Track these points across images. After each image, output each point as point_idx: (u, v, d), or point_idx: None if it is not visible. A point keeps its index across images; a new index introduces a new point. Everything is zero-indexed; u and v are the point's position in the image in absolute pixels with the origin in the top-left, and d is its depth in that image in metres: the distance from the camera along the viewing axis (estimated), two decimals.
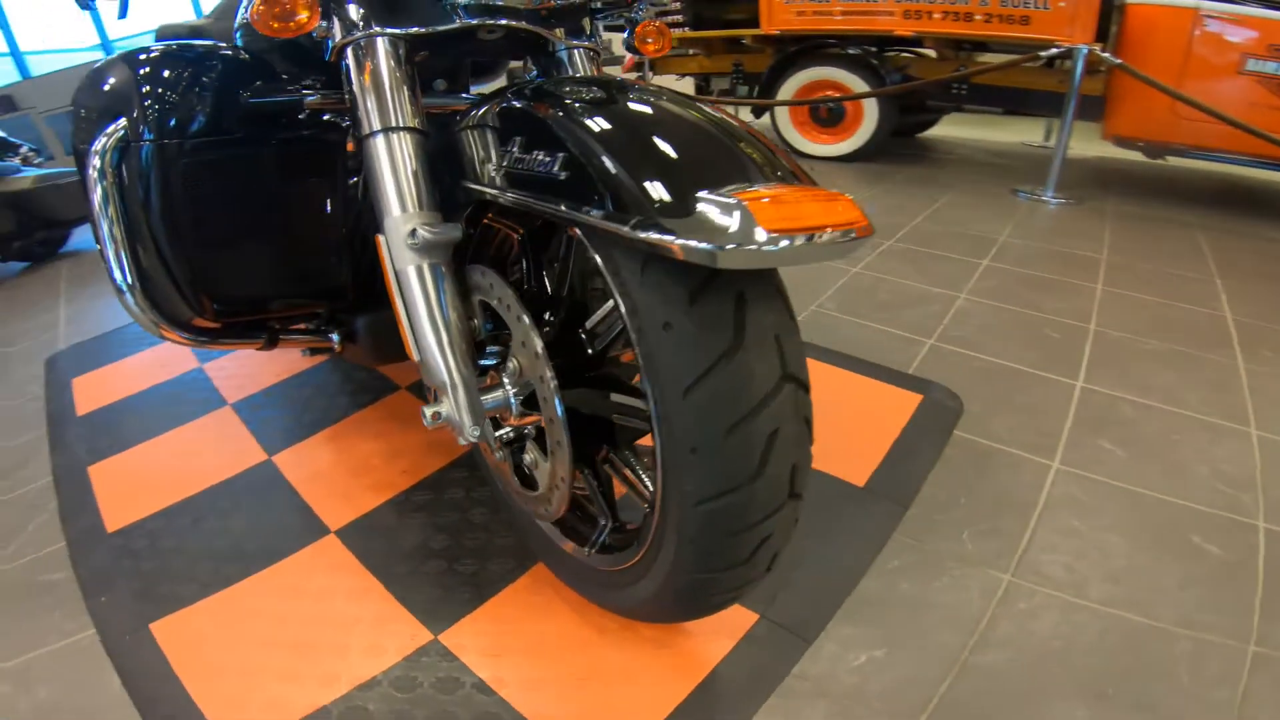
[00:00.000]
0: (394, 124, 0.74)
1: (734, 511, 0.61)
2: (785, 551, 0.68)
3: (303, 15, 0.72)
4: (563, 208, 0.61)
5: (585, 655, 0.87)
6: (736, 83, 3.86)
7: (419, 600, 0.96)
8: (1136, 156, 3.11)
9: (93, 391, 1.58)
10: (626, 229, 0.54)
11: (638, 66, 4.36)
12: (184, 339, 1.02)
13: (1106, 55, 2.52)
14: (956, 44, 3.10)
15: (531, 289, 0.85)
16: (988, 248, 2.25)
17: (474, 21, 0.79)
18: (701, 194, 0.53)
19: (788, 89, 3.42)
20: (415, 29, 0.77)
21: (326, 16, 0.75)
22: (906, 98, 3.24)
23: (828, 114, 3.37)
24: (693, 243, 0.51)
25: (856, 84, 3.20)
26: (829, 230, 0.52)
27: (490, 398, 0.80)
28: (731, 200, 0.52)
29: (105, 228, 0.92)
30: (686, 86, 4.89)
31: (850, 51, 3.21)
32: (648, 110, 0.65)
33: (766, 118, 3.64)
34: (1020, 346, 1.62)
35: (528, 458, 0.87)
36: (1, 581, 1.04)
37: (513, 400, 0.81)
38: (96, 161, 0.89)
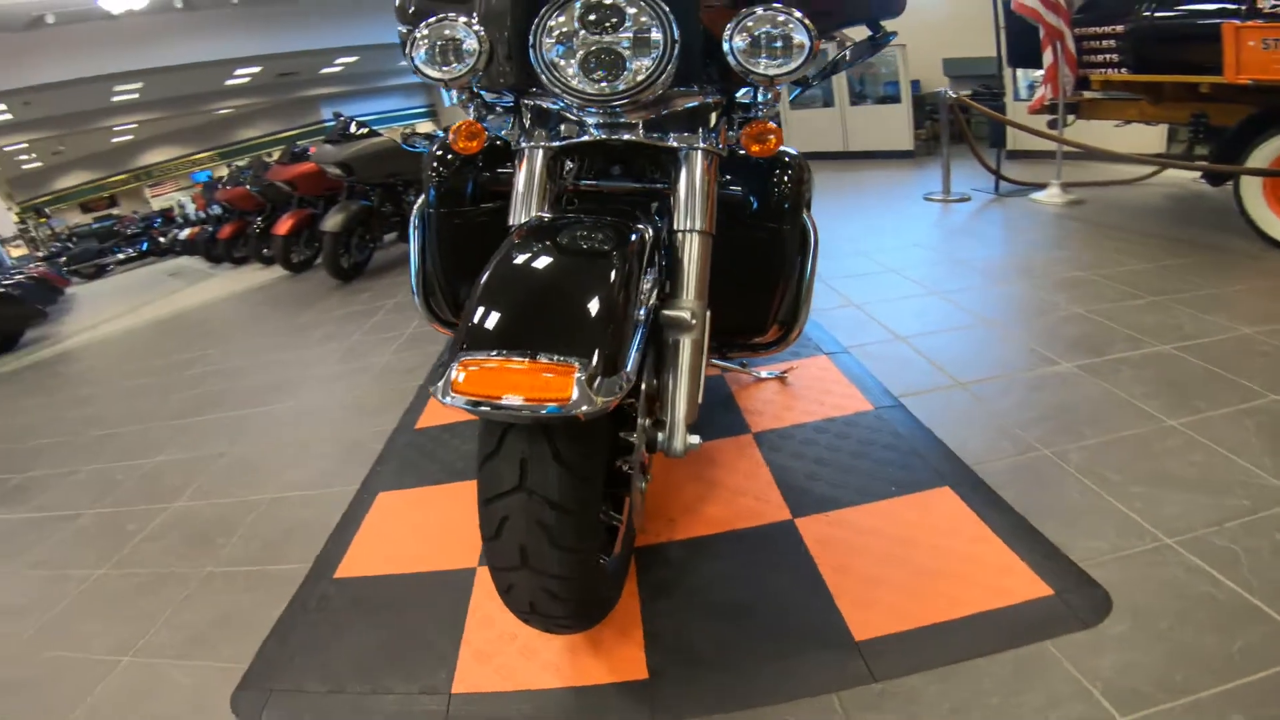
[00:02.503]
0: (524, 217, 1.08)
1: (492, 555, 0.88)
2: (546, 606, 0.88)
3: (473, 143, 1.18)
4: None
5: None
6: (1195, 140, 2.98)
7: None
8: None
9: None
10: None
11: (1049, 108, 3.72)
12: (445, 331, 1.50)
13: None
14: None
15: None
16: None
17: (601, 136, 1.07)
18: (460, 354, 0.77)
19: (1264, 154, 2.46)
20: (555, 143, 1.10)
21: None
22: None
23: None
24: (433, 384, 0.78)
25: None
26: (518, 398, 0.73)
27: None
28: (454, 363, 0.76)
29: (414, 259, 1.47)
30: (1157, 137, 3.94)
31: None
32: (534, 271, 0.88)
33: (1229, 186, 2.70)
34: None
35: None
36: None
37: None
38: (415, 219, 1.45)
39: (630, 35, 0.97)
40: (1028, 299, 2.29)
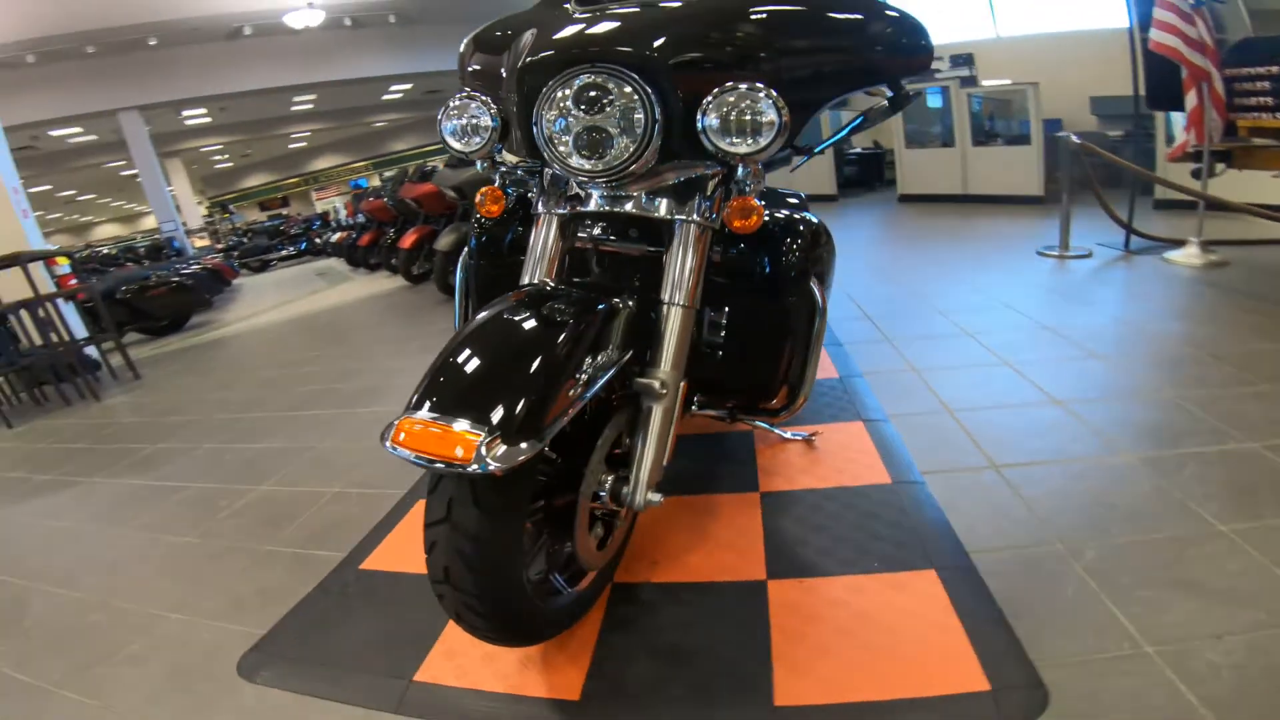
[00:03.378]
0: (534, 278, 1.25)
1: (428, 568, 1.04)
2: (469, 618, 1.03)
3: (495, 207, 1.35)
4: None
5: None
6: None
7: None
8: None
9: None
10: None
11: (1192, 156, 3.43)
12: None
13: None
14: None
15: None
16: None
17: (606, 208, 1.24)
18: (404, 411, 0.93)
19: None
20: (563, 211, 1.26)
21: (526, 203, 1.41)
22: None
23: None
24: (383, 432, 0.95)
25: None
26: (427, 456, 0.89)
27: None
28: (397, 420, 0.93)
29: (457, 301, 1.68)
30: None
31: None
32: (486, 341, 1.03)
33: None
34: None
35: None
36: None
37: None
38: (460, 266, 1.67)
39: (616, 115, 1.09)
40: (1114, 377, 2.13)
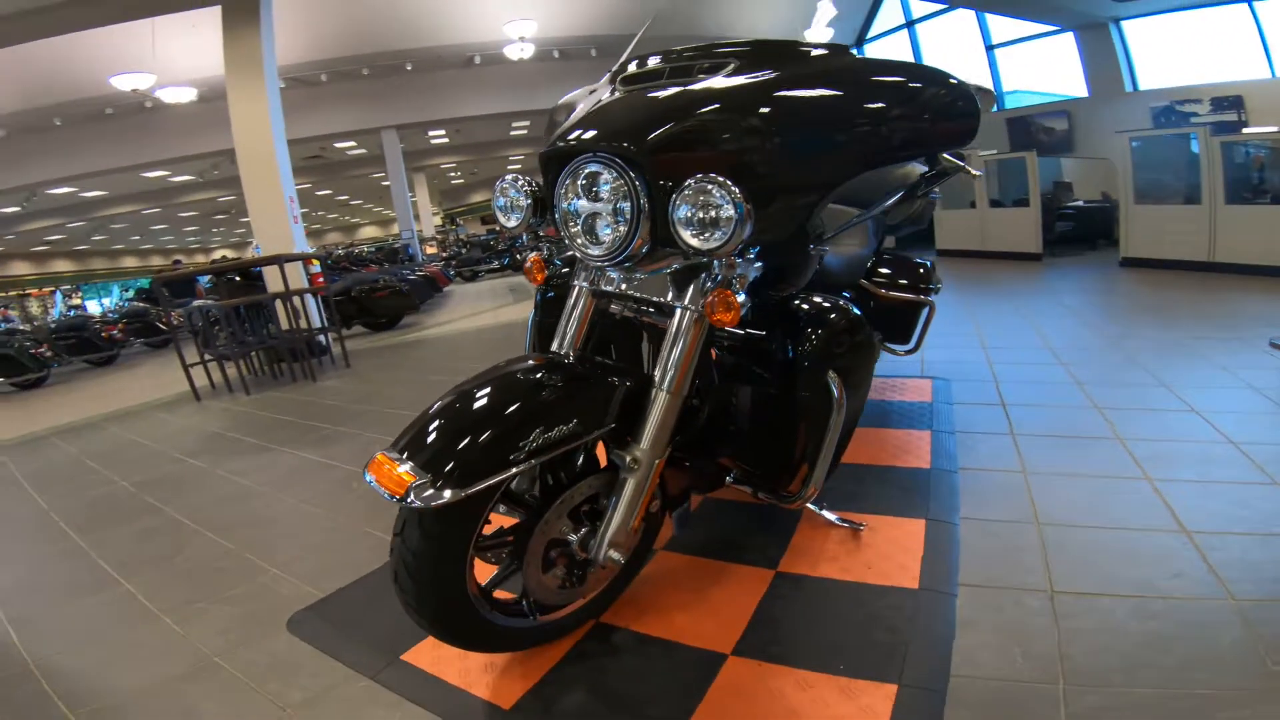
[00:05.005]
0: (560, 345, 1.46)
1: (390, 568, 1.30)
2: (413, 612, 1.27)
3: (540, 275, 1.63)
4: None
5: None
6: None
7: None
8: None
9: None
10: None
11: None
12: None
13: None
14: None
15: None
16: None
17: (620, 288, 1.45)
18: (384, 450, 1.19)
19: None
20: (584, 284, 1.48)
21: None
22: None
23: None
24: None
25: None
26: (381, 485, 1.14)
27: None
28: (376, 455, 1.18)
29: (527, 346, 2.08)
30: None
31: None
32: (466, 400, 1.25)
33: None
34: None
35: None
36: None
37: None
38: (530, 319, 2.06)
39: (611, 203, 1.26)
40: None
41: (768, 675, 1.36)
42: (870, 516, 1.95)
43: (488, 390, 1.28)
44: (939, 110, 1.48)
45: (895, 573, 1.67)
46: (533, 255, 1.63)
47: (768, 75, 1.36)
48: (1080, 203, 6.89)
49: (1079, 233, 6.81)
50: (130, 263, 26.43)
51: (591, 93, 1.62)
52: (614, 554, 1.34)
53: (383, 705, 1.42)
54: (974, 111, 1.49)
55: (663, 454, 1.36)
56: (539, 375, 1.33)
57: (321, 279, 6.60)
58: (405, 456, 1.17)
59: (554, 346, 1.50)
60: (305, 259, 6.27)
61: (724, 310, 1.24)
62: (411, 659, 1.53)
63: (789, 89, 1.36)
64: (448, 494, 1.11)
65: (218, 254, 25.46)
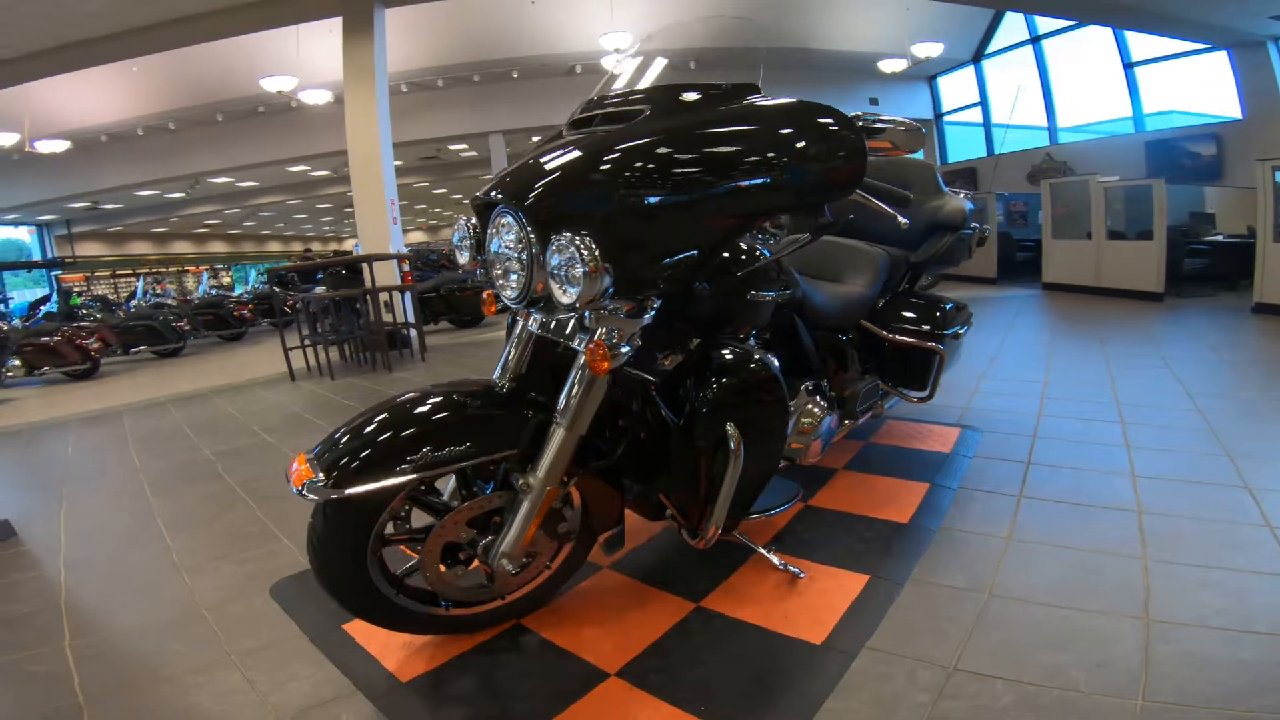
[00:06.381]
0: (498, 375, 1.64)
1: None
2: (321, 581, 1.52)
3: (490, 308, 1.81)
4: None
5: None
6: None
7: None
8: None
9: None
10: None
11: None
12: None
13: None
14: None
15: None
16: None
17: (537, 329, 1.59)
18: (306, 450, 1.42)
19: None
20: (522, 320, 1.62)
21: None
22: None
23: None
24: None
25: None
26: (290, 479, 1.37)
27: None
28: (300, 453, 1.42)
29: None
30: None
31: None
32: (378, 413, 1.47)
33: None
34: None
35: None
36: None
37: None
38: None
39: (515, 253, 1.38)
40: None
41: (633, 701, 1.48)
42: (817, 566, 1.99)
43: (403, 408, 1.50)
44: (818, 156, 1.47)
45: (807, 626, 1.71)
46: (487, 290, 1.82)
47: (654, 126, 1.43)
48: (1219, 237, 6.19)
49: (1213, 271, 6.12)
50: (274, 247, 29.65)
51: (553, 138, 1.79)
52: (506, 564, 1.51)
53: (307, 661, 1.69)
54: (859, 157, 1.49)
55: (557, 483, 1.51)
56: (456, 398, 1.53)
57: (410, 277, 7.23)
58: (315, 455, 1.41)
59: (495, 373, 1.69)
60: (398, 258, 6.90)
61: (597, 359, 1.36)
62: (350, 629, 1.79)
63: (665, 143, 1.40)
64: (332, 493, 1.33)
65: (348, 244, 27.91)
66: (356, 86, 6.82)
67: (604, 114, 1.58)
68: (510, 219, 1.40)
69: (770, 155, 1.45)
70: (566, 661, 1.63)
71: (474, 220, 1.60)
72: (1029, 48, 9.55)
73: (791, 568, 1.94)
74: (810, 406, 2.14)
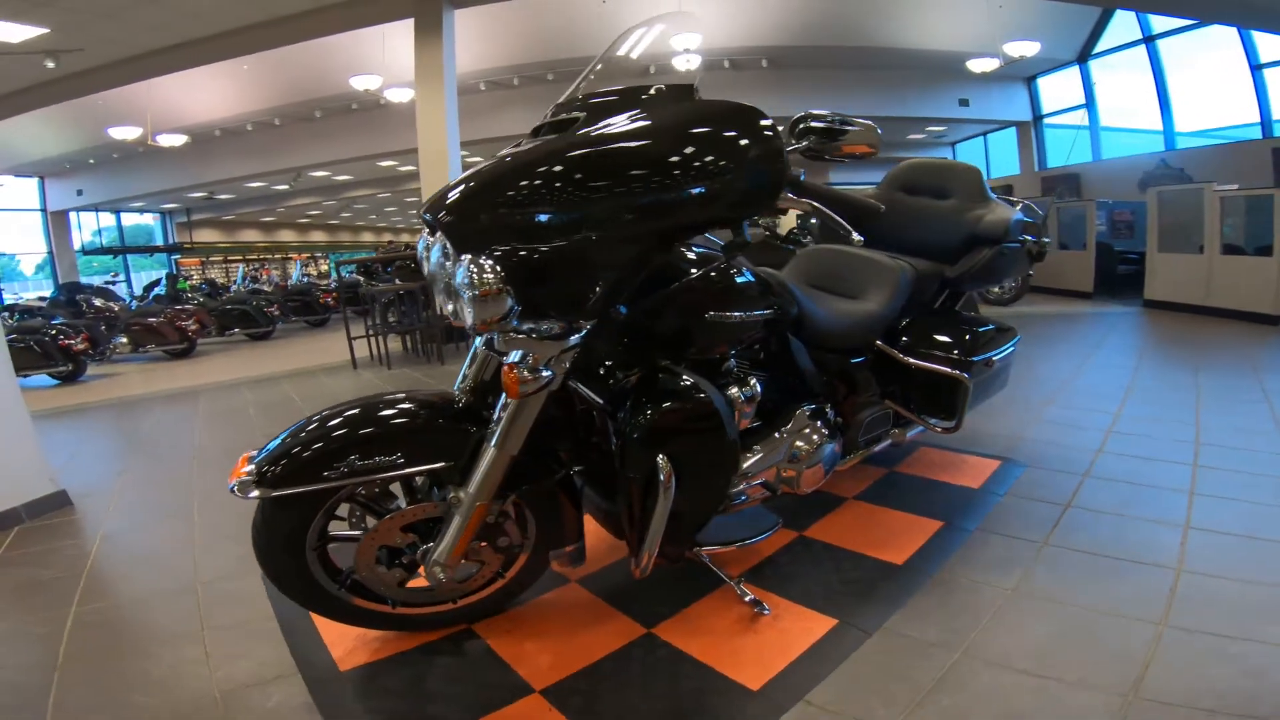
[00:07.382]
0: (457, 387, 1.70)
1: None
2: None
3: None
4: None
5: None
6: None
7: None
8: None
9: None
10: None
11: None
12: None
13: None
14: None
15: None
16: None
17: (482, 347, 1.65)
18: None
19: None
20: (475, 337, 1.66)
21: None
22: None
23: None
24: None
25: None
26: (230, 474, 1.47)
27: None
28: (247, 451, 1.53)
29: None
30: None
31: None
32: (322, 417, 1.55)
33: None
34: None
35: None
36: None
37: None
38: None
39: (448, 271, 1.38)
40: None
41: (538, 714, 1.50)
42: (786, 603, 1.91)
43: (342, 415, 1.56)
44: (726, 163, 1.40)
45: (751, 668, 1.65)
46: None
47: (568, 139, 1.41)
48: None
49: None
50: (368, 238, 31.39)
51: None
52: (439, 572, 1.56)
53: (268, 641, 1.83)
54: (776, 160, 1.42)
55: (487, 499, 1.53)
56: (406, 407, 1.58)
57: None
58: (255, 456, 1.50)
59: (455, 385, 1.74)
60: None
61: (509, 383, 1.38)
62: (316, 616, 1.87)
63: (562, 159, 1.37)
64: (258, 491, 1.42)
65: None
66: (427, 85, 7.11)
67: (550, 123, 1.57)
68: (440, 235, 1.42)
69: (672, 164, 1.37)
70: (500, 671, 1.66)
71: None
72: (1142, 48, 8.78)
73: (756, 601, 1.87)
74: (806, 431, 2.05)
